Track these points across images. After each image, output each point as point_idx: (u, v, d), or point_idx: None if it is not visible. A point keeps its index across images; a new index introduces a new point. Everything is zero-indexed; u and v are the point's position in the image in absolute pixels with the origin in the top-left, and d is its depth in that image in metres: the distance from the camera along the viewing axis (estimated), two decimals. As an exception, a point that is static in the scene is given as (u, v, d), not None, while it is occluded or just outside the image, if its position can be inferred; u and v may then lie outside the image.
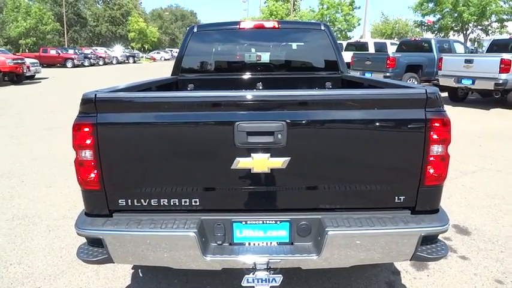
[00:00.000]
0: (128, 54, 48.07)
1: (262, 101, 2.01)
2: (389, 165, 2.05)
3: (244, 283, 2.01)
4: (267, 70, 4.12)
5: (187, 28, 4.20)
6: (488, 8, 23.14)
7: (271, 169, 1.98)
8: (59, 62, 33.50)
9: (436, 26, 27.08)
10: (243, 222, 2.09)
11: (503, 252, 3.28)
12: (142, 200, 2.07)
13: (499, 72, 10.31)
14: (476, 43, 26.70)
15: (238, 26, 4.03)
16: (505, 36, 16.85)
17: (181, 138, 2.01)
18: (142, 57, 53.60)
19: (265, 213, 2.10)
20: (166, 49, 66.93)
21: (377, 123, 1.99)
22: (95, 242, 2.12)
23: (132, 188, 2.07)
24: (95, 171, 2.02)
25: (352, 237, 1.98)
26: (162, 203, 2.07)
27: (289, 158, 1.96)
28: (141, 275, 2.97)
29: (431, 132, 1.96)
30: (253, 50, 4.32)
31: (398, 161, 2.03)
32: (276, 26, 4.03)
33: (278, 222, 2.09)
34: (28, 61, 19.79)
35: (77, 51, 37.77)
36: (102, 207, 2.09)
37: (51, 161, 5.98)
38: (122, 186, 2.07)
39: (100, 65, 38.02)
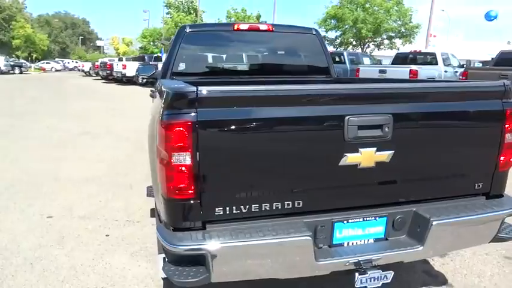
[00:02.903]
0: (12, 63, 42.86)
1: (371, 93, 1.97)
2: (473, 153, 2.16)
3: (358, 284, 1.93)
4: (262, 73, 4.04)
5: (178, 28, 3.92)
6: (382, 26, 26.14)
7: (376, 163, 1.94)
8: None
9: (337, 40, 29.61)
10: (344, 222, 2.01)
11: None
12: (242, 207, 1.86)
13: (409, 81, 11.64)
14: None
15: (232, 28, 3.90)
16: (407, 49, 19.11)
17: (288, 136, 1.86)
18: (30, 67, 48.36)
19: (365, 210, 2.05)
20: (57, 59, 61.44)
21: (465, 115, 2.09)
22: (182, 261, 1.84)
23: (231, 194, 1.85)
24: (192, 176, 1.76)
25: (453, 225, 2.04)
26: (263, 208, 1.89)
27: (393, 151, 1.95)
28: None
29: (507, 122, 2.13)
30: (248, 52, 4.21)
31: (480, 149, 2.16)
32: (270, 29, 3.99)
33: (377, 218, 2.06)
34: None
35: None
36: (195, 219, 1.83)
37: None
38: (220, 192, 1.84)
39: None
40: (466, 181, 2.19)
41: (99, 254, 3.23)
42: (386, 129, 1.91)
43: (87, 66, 39.19)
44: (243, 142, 1.81)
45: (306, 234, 1.83)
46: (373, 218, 2.05)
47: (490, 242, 2.23)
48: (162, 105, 1.83)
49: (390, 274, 1.98)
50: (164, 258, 2.33)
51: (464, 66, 14.93)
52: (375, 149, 1.92)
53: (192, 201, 1.80)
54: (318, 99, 1.89)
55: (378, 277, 1.94)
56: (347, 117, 1.86)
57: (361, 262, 1.95)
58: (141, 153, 6.72)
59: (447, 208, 2.11)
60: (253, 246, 1.77)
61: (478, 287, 2.81)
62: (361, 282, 1.93)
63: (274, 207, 1.90)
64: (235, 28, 3.89)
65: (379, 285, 1.97)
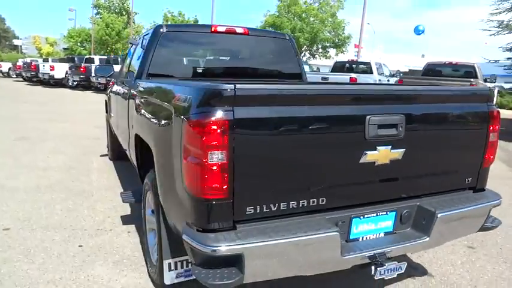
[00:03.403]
0: None
1: (389, 94, 2.08)
2: (465, 150, 2.37)
3: (377, 276, 2.02)
4: (239, 75, 4.04)
5: (153, 28, 3.78)
6: (318, 36, 27.31)
7: (390, 160, 2.06)
8: None
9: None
10: (361, 217, 2.10)
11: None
12: (271, 205, 1.86)
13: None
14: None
15: (210, 29, 3.87)
16: (344, 58, 20.17)
17: (316, 135, 1.90)
18: None
19: (378, 206, 2.15)
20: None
21: (460, 116, 2.30)
22: (213, 263, 1.79)
23: (262, 192, 1.84)
24: (226, 176, 1.73)
25: (454, 216, 2.21)
26: (291, 206, 1.91)
27: (404, 149, 2.08)
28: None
29: (491, 122, 2.37)
30: (224, 54, 4.18)
31: (471, 147, 2.38)
32: (246, 32, 4.02)
33: (387, 213, 2.17)
34: None
35: None
36: (227, 219, 1.79)
37: None
38: (252, 191, 1.82)
39: None
40: (458, 176, 2.39)
41: (77, 266, 2.99)
42: (400, 128, 2.03)
43: (5, 66, 35.88)
44: (274, 141, 1.82)
45: (334, 230, 1.88)
46: (384, 213, 2.16)
47: (477, 231, 2.45)
48: (189, 104, 1.79)
49: (404, 265, 2.09)
50: (170, 264, 2.25)
51: (400, 75, 16.19)
52: (390, 147, 2.03)
53: (225, 201, 1.76)
54: (346, 99, 1.97)
55: (394, 268, 2.04)
56: (368, 117, 1.95)
57: (377, 255, 2.04)
58: (91, 158, 6.35)
59: (446, 201, 2.28)
60: (286, 244, 1.78)
61: (454, 274, 3.06)
62: (380, 274, 2.02)
63: (300, 205, 1.92)
64: (213, 30, 3.86)
65: (395, 275, 2.07)
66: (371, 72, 14.41)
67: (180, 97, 1.96)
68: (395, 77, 16.03)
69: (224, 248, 1.70)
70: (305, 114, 1.84)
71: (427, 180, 2.29)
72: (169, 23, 35.94)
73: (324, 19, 27.20)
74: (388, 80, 15.19)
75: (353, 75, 12.59)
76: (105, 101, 6.43)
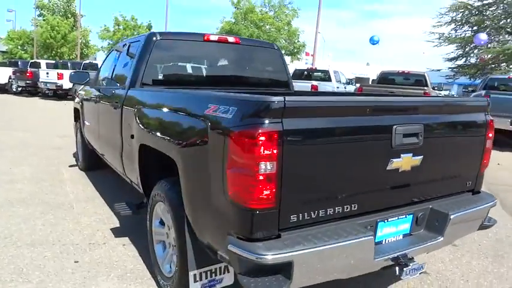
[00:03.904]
0: None
1: (411, 106, 2.22)
2: (468, 156, 2.58)
3: (403, 276, 2.14)
4: (231, 84, 4.08)
5: (145, 36, 3.71)
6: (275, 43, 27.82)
7: (411, 167, 2.20)
8: None
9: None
10: (385, 221, 2.21)
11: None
12: (312, 213, 1.93)
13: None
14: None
15: (202, 38, 3.87)
16: (305, 66, 20.70)
17: (352, 144, 2.00)
18: None
19: (398, 209, 2.28)
20: None
21: (465, 124, 2.51)
22: (259, 272, 1.81)
23: (305, 201, 1.90)
24: (273, 185, 1.77)
25: (464, 217, 2.40)
26: (328, 213, 1.98)
27: (422, 156, 2.23)
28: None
29: (488, 130, 2.60)
30: (217, 63, 4.18)
31: (473, 152, 2.59)
32: (238, 41, 4.07)
33: (406, 216, 2.31)
34: None
35: None
36: (272, 228, 1.83)
37: None
38: (296, 200, 1.88)
39: None
40: (461, 180, 2.60)
41: (79, 283, 2.86)
42: (420, 137, 2.18)
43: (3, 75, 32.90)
44: (317, 150, 1.89)
45: (369, 234, 1.98)
46: (404, 216, 2.30)
47: (477, 229, 2.67)
48: (234, 115, 1.81)
49: (425, 264, 2.24)
50: (195, 275, 2.25)
51: (354, 83, 16.89)
52: (411, 154, 2.17)
53: (272, 210, 1.80)
54: (379, 110, 2.09)
55: (417, 268, 2.18)
56: (395, 127, 2.08)
57: (400, 256, 2.17)
58: (60, 169, 6.05)
59: (454, 203, 2.47)
60: (331, 249, 1.85)
61: (446, 270, 3.28)
62: (405, 274, 2.14)
63: (336, 211, 2.01)
64: (205, 39, 3.87)
65: (417, 274, 2.21)
66: (329, 79, 14.94)
67: (217, 108, 1.97)
68: (351, 84, 16.72)
69: (277, 256, 1.73)
70: (344, 125, 1.94)
71: (437, 184, 2.46)
72: (121, 27, 34.98)
73: (279, 27, 27.81)
74: (345, 88, 15.82)
75: (314, 82, 12.99)
76: (75, 109, 6.16)
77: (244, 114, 1.79)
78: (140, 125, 2.96)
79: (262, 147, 1.71)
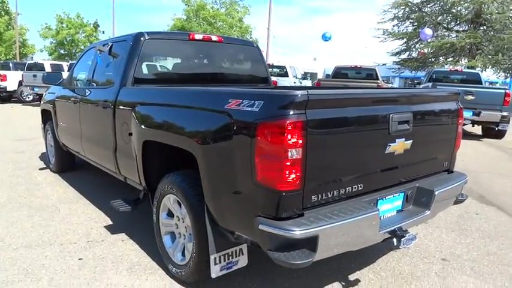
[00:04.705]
0: None
1: (403, 96, 2.54)
2: (444, 139, 2.96)
3: (401, 245, 2.46)
4: (216, 81, 4.24)
5: (132, 35, 3.77)
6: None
7: (404, 150, 2.53)
8: None
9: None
10: (383, 198, 2.53)
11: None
12: (328, 193, 2.19)
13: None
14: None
15: (188, 37, 4.01)
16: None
17: (361, 131, 2.28)
18: None
19: (392, 188, 2.60)
20: None
21: (443, 112, 2.88)
22: (286, 247, 2.05)
23: (323, 182, 2.16)
24: (299, 170, 2.01)
25: (446, 192, 2.77)
26: (340, 192, 2.25)
27: (412, 140, 2.57)
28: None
29: (459, 117, 3.01)
30: (203, 61, 4.31)
31: (447, 136, 2.98)
32: (221, 40, 4.25)
33: (399, 194, 2.64)
34: None
35: None
36: (298, 207, 2.07)
37: None
38: (317, 182, 2.13)
39: None
40: (440, 161, 2.98)
41: (90, 278, 2.94)
42: (410, 124, 2.52)
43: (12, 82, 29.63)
44: (335, 137, 2.17)
45: (376, 210, 2.28)
46: (397, 194, 2.63)
47: (453, 204, 3.07)
48: (261, 108, 2.03)
49: (417, 235, 2.58)
50: (215, 258, 2.45)
51: (309, 78, 17.44)
52: (404, 139, 2.50)
53: (297, 192, 2.04)
54: (380, 101, 2.39)
55: (411, 238, 2.51)
56: (391, 115, 2.39)
57: (396, 229, 2.50)
58: (31, 172, 5.90)
59: (435, 181, 2.83)
60: (348, 224, 2.12)
61: (422, 244, 3.69)
62: (403, 244, 2.47)
63: (346, 191, 2.28)
64: (191, 38, 4.01)
65: (412, 244, 2.55)
66: (286, 75, 15.38)
67: (240, 102, 2.17)
68: (306, 79, 17.28)
69: (306, 231, 1.97)
70: (355, 115, 2.22)
71: (422, 165, 2.82)
72: (64, 25, 33.41)
73: (232, 24, 27.99)
74: (301, 82, 16.35)
75: (274, 78, 13.31)
76: (43, 110, 6.01)
77: (271, 107, 2.01)
78: (143, 122, 3.06)
79: (289, 136, 1.94)
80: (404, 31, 25.82)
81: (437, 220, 4.31)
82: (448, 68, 18.01)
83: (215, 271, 2.48)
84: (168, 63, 4.16)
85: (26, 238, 3.60)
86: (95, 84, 4.33)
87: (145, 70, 3.82)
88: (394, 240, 2.48)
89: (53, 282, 2.87)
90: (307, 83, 16.98)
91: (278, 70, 16.18)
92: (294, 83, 15.31)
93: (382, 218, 2.54)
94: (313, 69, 42.25)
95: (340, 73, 14.83)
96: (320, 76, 28.95)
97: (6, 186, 5.15)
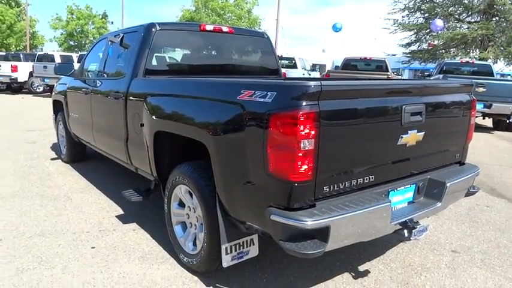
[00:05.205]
0: None
1: (416, 88, 2.52)
2: (456, 131, 2.94)
3: (412, 237, 2.46)
4: (227, 72, 4.24)
5: (144, 26, 3.77)
6: (236, 31, 28.05)
7: (416, 142, 2.52)
8: None
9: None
10: (395, 190, 2.52)
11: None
12: (340, 184, 2.19)
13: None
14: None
15: (199, 28, 4.01)
16: None
17: (372, 123, 2.27)
18: None
19: (403, 180, 2.60)
20: None
21: (455, 103, 2.86)
22: (298, 237, 2.06)
23: (335, 173, 2.16)
24: (311, 160, 2.01)
25: (457, 184, 2.75)
26: (352, 184, 2.25)
27: (424, 132, 2.56)
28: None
29: (472, 108, 2.98)
30: (214, 52, 4.31)
31: (461, 128, 2.95)
32: (232, 31, 4.24)
33: (410, 186, 2.63)
34: None
35: None
36: (310, 198, 2.08)
37: None
38: (329, 172, 2.13)
39: None
40: (451, 153, 2.96)
41: (103, 266, 2.98)
42: (423, 115, 2.50)
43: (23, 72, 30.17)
44: (347, 128, 2.16)
45: (387, 201, 2.28)
46: (409, 186, 2.62)
47: (464, 196, 3.06)
48: (274, 99, 2.03)
49: (429, 226, 2.58)
50: (226, 248, 2.47)
51: (318, 69, 17.31)
52: (416, 130, 2.49)
53: (310, 183, 2.04)
54: (394, 92, 2.38)
55: (422, 229, 2.51)
56: (404, 106, 2.37)
57: (407, 221, 2.50)
58: (43, 162, 5.97)
59: (447, 173, 2.82)
60: (360, 215, 2.12)
61: (432, 236, 3.69)
62: (414, 235, 2.46)
63: (358, 182, 2.28)
64: (202, 28, 4.00)
65: (423, 236, 2.54)
66: (295, 67, 15.30)
67: (253, 93, 2.17)
68: (315, 71, 17.17)
69: (317, 222, 1.97)
70: (367, 106, 2.21)
71: (434, 157, 2.81)
72: (74, 16, 33.53)
73: (240, 15, 27.86)
74: (310, 74, 16.26)
75: (282, 69, 13.24)
76: (55, 101, 6.06)
77: (284, 98, 2.00)
78: (154, 113, 3.08)
79: (302, 126, 1.94)
80: (414, 22, 25.50)
81: (448, 212, 4.30)
82: (459, 59, 17.76)
83: (226, 261, 2.50)
84: (179, 54, 4.16)
85: (40, 227, 3.66)
86: (106, 75, 4.35)
87: (156, 61, 3.83)
88: (405, 231, 2.47)
89: (66, 269, 2.92)
90: (316, 74, 16.88)
91: (287, 62, 16.10)
92: (303, 74, 15.22)
93: (393, 209, 2.53)
94: (322, 61, 42.00)
95: (349, 65, 14.72)
96: (329, 68, 28.76)
97: (18, 176, 5.23)
